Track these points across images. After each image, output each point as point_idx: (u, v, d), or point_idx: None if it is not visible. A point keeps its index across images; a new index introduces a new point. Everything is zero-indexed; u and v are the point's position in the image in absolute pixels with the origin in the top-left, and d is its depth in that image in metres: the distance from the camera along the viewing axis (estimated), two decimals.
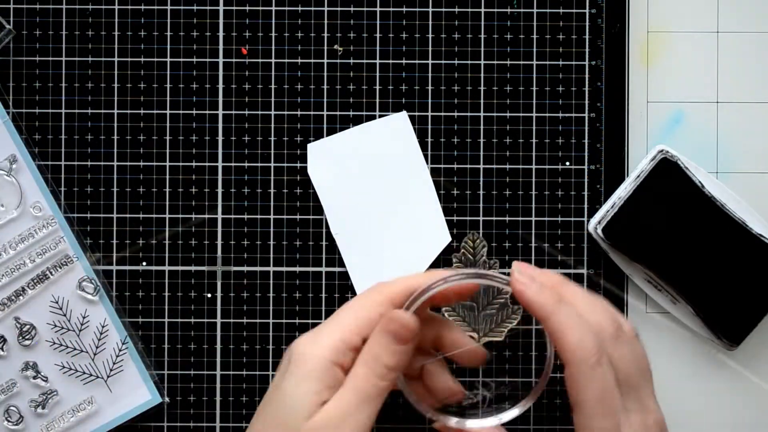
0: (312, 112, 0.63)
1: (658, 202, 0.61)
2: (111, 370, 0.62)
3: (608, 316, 0.52)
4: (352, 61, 0.63)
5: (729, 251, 0.60)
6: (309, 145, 0.62)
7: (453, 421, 0.55)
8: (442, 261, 0.62)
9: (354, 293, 0.63)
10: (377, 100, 0.63)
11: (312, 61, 0.63)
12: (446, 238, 0.62)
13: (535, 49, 0.63)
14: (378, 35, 0.63)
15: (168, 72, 0.63)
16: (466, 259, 0.62)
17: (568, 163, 0.63)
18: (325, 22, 0.63)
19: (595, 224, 0.61)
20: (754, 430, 0.63)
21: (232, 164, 0.63)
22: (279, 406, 0.51)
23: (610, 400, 0.52)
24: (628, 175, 0.62)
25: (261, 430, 0.51)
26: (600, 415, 0.51)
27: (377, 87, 0.63)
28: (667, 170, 0.61)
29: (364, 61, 0.63)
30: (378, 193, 0.62)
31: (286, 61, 0.63)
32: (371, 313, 0.52)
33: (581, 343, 0.51)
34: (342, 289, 0.62)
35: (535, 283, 0.52)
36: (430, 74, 0.63)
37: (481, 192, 0.63)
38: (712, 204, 0.60)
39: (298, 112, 0.63)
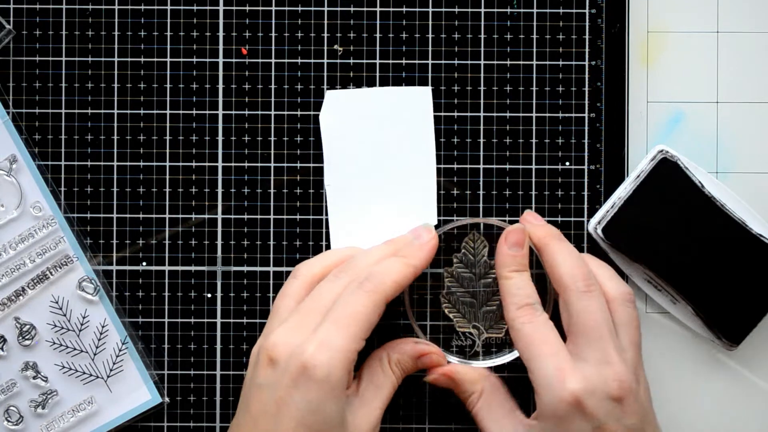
0: (312, 112, 0.63)
1: (657, 203, 0.61)
2: (111, 370, 0.62)
3: (607, 273, 0.59)
4: (352, 61, 0.63)
5: (729, 251, 0.60)
6: (328, 92, 0.62)
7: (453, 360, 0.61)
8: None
9: (328, 244, 0.62)
10: None
11: (312, 61, 0.63)
12: (432, 221, 0.62)
13: (535, 49, 0.63)
14: (378, 35, 0.63)
15: (168, 72, 0.63)
16: (466, 259, 0.62)
17: (568, 163, 0.63)
18: (325, 22, 0.63)
19: (594, 224, 0.61)
20: (754, 430, 0.63)
21: (232, 164, 0.63)
22: (314, 420, 0.53)
23: (599, 329, 0.55)
24: (627, 175, 0.62)
25: None
26: (590, 341, 0.55)
27: (377, 87, 0.63)
28: (667, 170, 0.61)
29: (364, 61, 0.63)
30: (380, 157, 0.62)
31: (286, 61, 0.63)
32: (375, 318, 0.55)
33: (572, 270, 0.56)
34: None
35: (539, 221, 0.60)
36: (430, 74, 0.63)
37: (481, 192, 0.63)
38: (711, 204, 0.60)
39: (298, 112, 0.63)
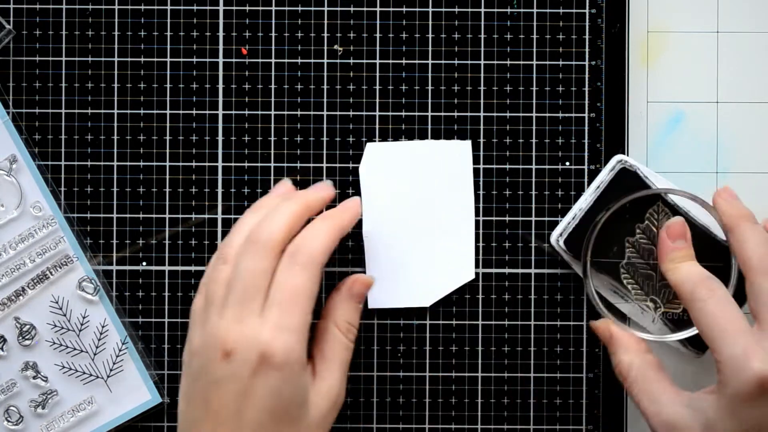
0: (312, 112, 0.63)
1: (618, 212, 0.60)
2: (111, 370, 0.62)
3: None
4: (352, 61, 0.63)
5: (705, 246, 0.60)
6: (368, 144, 0.62)
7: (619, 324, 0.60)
8: (454, 297, 0.62)
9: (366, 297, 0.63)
10: (377, 100, 0.63)
11: (312, 61, 0.63)
12: (470, 275, 0.62)
13: (535, 49, 0.63)
14: (378, 35, 0.63)
15: (168, 72, 0.63)
16: (649, 230, 0.61)
17: (568, 163, 0.63)
18: (325, 22, 0.63)
19: (556, 236, 0.61)
20: None
21: (232, 164, 0.63)
22: (278, 405, 0.53)
23: (728, 323, 0.54)
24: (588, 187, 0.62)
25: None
26: (725, 343, 0.54)
27: (377, 87, 0.63)
28: (627, 180, 0.61)
29: (364, 61, 0.63)
30: (418, 210, 0.62)
31: (286, 61, 0.63)
32: (315, 289, 0.55)
33: (760, 253, 0.55)
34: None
35: (734, 198, 0.59)
36: (430, 74, 0.63)
37: (481, 192, 0.63)
38: (674, 212, 0.60)
39: (298, 112, 0.63)
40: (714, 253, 0.60)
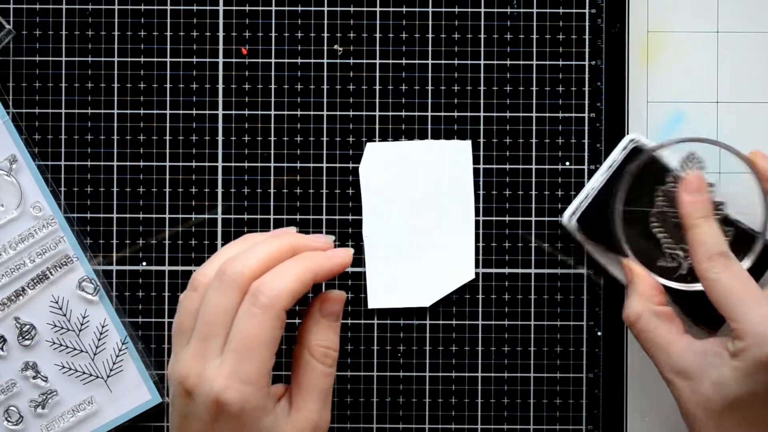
0: (312, 112, 0.63)
1: (631, 191, 0.60)
2: (111, 370, 0.62)
3: None
4: (352, 61, 0.63)
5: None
6: (368, 144, 0.62)
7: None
8: (454, 297, 0.62)
9: (366, 297, 0.63)
10: (377, 100, 0.63)
11: (312, 61, 0.63)
12: (470, 275, 0.62)
13: (535, 49, 0.63)
14: (378, 35, 0.63)
15: (168, 72, 0.63)
16: (681, 179, 0.60)
17: (568, 163, 0.63)
18: (325, 22, 0.63)
19: (569, 216, 0.61)
20: None
21: (232, 164, 0.63)
22: None
23: (746, 294, 0.54)
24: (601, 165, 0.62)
25: None
26: (745, 313, 0.53)
27: (377, 87, 0.63)
28: (639, 158, 0.61)
29: (364, 61, 0.63)
30: (418, 210, 0.62)
31: (286, 61, 0.63)
32: (276, 334, 0.52)
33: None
34: (341, 290, 0.62)
35: None
36: (430, 74, 0.63)
37: (482, 192, 0.63)
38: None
39: (298, 112, 0.63)
40: (726, 234, 0.60)
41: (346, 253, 0.55)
